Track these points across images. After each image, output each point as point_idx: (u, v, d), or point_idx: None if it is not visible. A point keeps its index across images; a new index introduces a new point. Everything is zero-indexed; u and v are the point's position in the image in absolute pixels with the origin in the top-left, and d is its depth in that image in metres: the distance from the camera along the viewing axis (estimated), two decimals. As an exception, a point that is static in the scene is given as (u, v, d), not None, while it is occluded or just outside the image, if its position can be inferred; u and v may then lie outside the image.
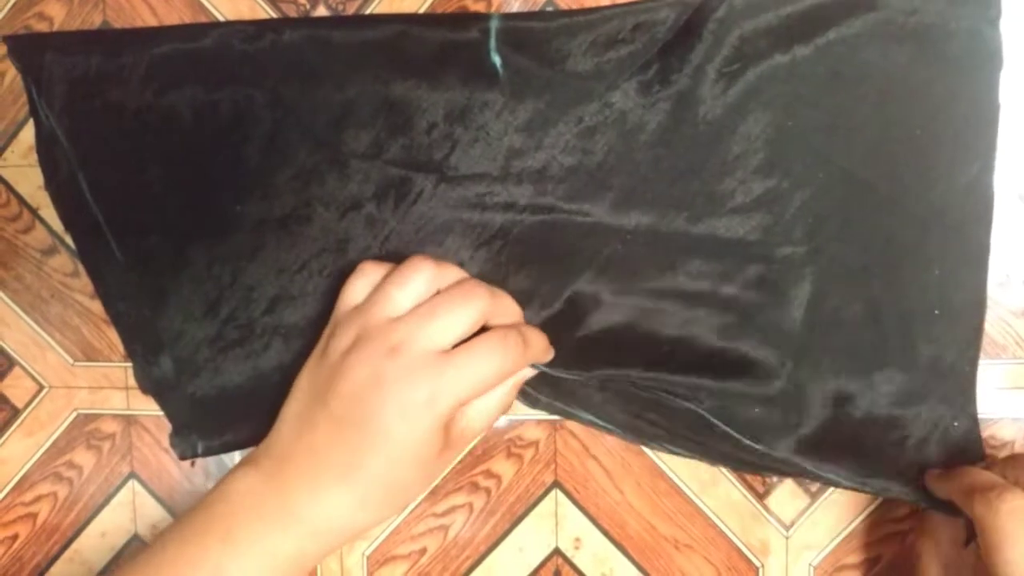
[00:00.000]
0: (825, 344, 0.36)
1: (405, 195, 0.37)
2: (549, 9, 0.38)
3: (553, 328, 0.37)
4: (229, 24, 0.39)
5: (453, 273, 0.33)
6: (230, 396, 0.39)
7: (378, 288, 0.32)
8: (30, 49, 0.38)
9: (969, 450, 0.36)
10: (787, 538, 0.39)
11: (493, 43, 0.36)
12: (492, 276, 0.37)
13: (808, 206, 0.36)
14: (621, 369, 0.37)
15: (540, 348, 0.34)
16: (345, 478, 0.30)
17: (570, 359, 0.37)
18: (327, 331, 0.33)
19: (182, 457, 0.39)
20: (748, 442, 0.37)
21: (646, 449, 0.39)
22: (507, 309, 0.33)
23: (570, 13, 0.37)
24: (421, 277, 0.32)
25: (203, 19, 0.39)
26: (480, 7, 0.38)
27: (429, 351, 0.30)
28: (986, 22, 0.35)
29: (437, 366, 0.30)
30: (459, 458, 0.40)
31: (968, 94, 0.35)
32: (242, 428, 0.39)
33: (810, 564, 0.39)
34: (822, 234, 0.36)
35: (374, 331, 0.31)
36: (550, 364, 0.36)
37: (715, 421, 0.37)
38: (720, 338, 0.37)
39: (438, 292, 0.32)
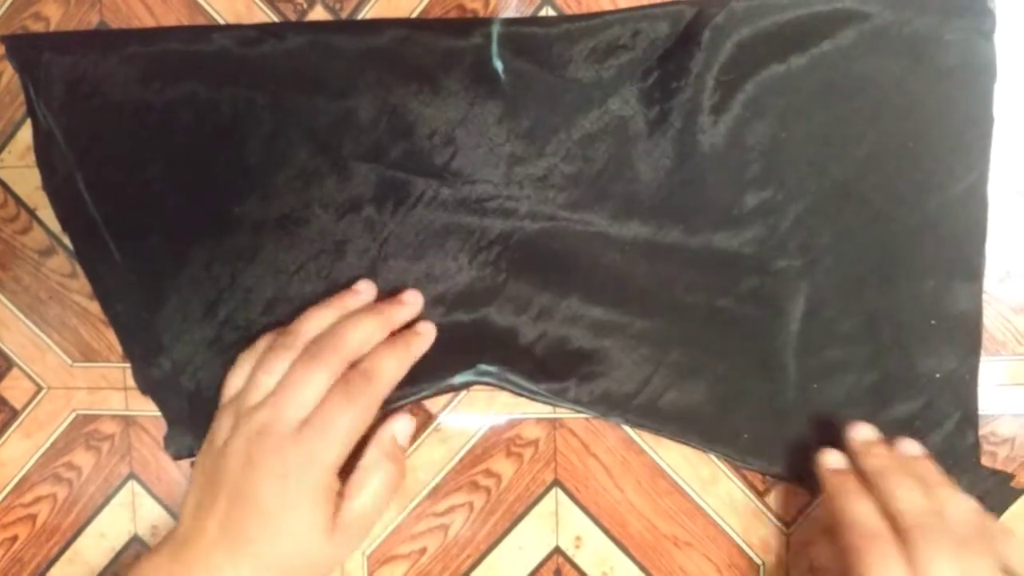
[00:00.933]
0: (821, 357, 0.36)
1: (405, 199, 0.37)
2: (549, 12, 0.38)
3: (546, 344, 0.37)
4: (230, 27, 0.39)
5: (301, 340, 0.35)
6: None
7: (249, 377, 0.35)
8: (28, 48, 0.38)
9: (966, 458, 0.36)
10: (788, 536, 0.39)
11: (495, 48, 0.36)
12: (490, 281, 0.37)
13: (802, 218, 0.36)
14: (617, 408, 0.38)
15: (389, 374, 0.34)
16: (235, 556, 0.32)
17: (559, 377, 0.37)
18: (213, 424, 0.35)
19: (176, 457, 0.39)
20: (741, 464, 0.38)
21: (646, 447, 0.39)
22: (363, 335, 0.35)
23: (571, 19, 0.37)
24: (283, 359, 0.34)
25: (200, 19, 0.39)
26: (477, 6, 0.38)
27: (291, 426, 0.32)
28: (980, 34, 0.35)
29: (299, 438, 0.32)
30: (459, 456, 0.40)
31: (962, 106, 0.35)
32: None
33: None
34: (817, 247, 0.36)
35: (245, 417, 0.33)
36: (534, 379, 0.37)
37: (708, 452, 0.38)
38: (715, 356, 0.37)
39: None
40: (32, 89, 0.38)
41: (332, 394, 0.33)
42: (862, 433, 0.35)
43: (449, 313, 0.38)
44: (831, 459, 0.35)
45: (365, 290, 0.37)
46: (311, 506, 0.32)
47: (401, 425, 0.36)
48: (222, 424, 0.34)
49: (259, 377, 0.34)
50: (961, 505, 0.32)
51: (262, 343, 0.36)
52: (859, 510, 0.32)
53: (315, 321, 0.35)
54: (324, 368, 0.33)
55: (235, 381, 0.35)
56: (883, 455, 0.34)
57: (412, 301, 0.37)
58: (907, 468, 0.33)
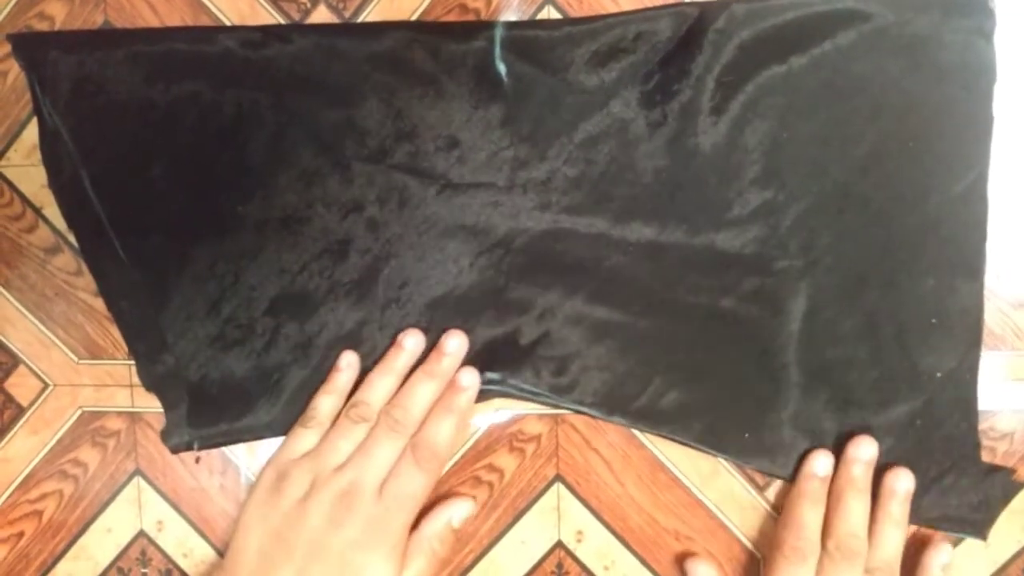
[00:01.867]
0: (822, 356, 0.37)
1: (408, 200, 0.38)
2: (550, 11, 0.38)
3: (549, 345, 0.38)
4: (235, 29, 0.39)
5: (374, 410, 0.37)
6: (230, 394, 0.39)
7: (325, 439, 0.37)
8: (34, 47, 0.38)
9: (967, 456, 0.36)
10: (787, 530, 0.39)
11: (498, 52, 0.37)
12: (492, 284, 0.38)
13: (803, 218, 0.36)
14: (619, 409, 0.38)
15: (449, 438, 0.37)
16: None
17: (561, 377, 0.38)
18: (272, 474, 0.37)
19: (174, 450, 0.40)
20: (743, 463, 0.38)
21: (647, 442, 0.39)
22: (425, 399, 0.37)
23: (573, 22, 0.37)
24: (361, 427, 0.37)
25: (203, 18, 0.39)
26: (479, 5, 0.38)
27: (373, 488, 0.36)
28: (980, 34, 0.35)
29: (380, 499, 0.35)
30: (462, 452, 0.40)
31: (962, 106, 0.35)
32: (237, 422, 0.39)
33: (810, 556, 0.39)
34: (817, 246, 0.36)
35: (325, 479, 0.36)
36: (536, 381, 0.38)
37: (707, 450, 0.38)
38: (717, 356, 0.37)
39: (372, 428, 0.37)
40: (38, 87, 0.38)
41: (404, 462, 0.36)
42: (859, 449, 0.36)
43: (449, 316, 0.38)
44: (818, 464, 0.37)
45: (413, 345, 0.38)
46: (386, 563, 0.35)
47: (458, 511, 0.39)
48: (295, 480, 0.36)
49: (337, 442, 0.37)
50: (891, 545, 0.35)
51: (319, 411, 0.38)
52: (805, 516, 0.36)
53: (379, 390, 0.38)
54: (399, 437, 0.37)
55: (299, 443, 0.37)
56: (860, 473, 0.36)
57: (454, 349, 0.38)
58: (867, 492, 0.36)
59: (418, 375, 0.38)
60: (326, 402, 0.38)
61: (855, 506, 0.35)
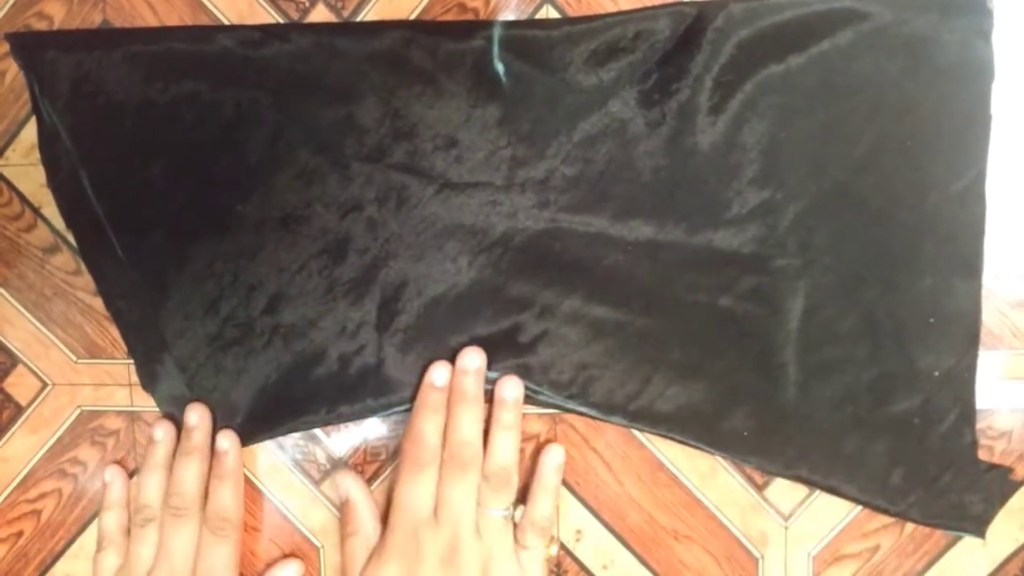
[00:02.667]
0: (820, 355, 0.37)
1: (407, 199, 0.38)
2: (549, 11, 0.38)
3: (548, 343, 0.37)
4: (234, 28, 0.39)
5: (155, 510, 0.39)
6: (226, 393, 0.39)
7: (126, 554, 0.39)
8: (32, 46, 0.38)
9: (965, 455, 0.36)
10: (786, 528, 0.39)
11: (496, 51, 0.37)
12: (490, 283, 0.38)
13: (802, 218, 0.36)
14: (618, 408, 0.38)
15: (235, 501, 0.39)
16: None
17: (560, 375, 0.38)
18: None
19: None
20: (742, 461, 0.38)
21: (646, 441, 0.40)
22: (195, 477, 0.39)
23: (572, 21, 0.37)
24: (150, 529, 0.38)
25: (202, 17, 0.39)
26: (478, 4, 0.38)
27: None
28: (978, 34, 0.35)
29: None
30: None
31: (960, 105, 0.35)
32: (236, 423, 0.39)
33: (809, 554, 0.39)
34: (816, 246, 0.36)
35: None
36: (535, 379, 0.37)
37: (706, 449, 0.38)
38: (716, 355, 0.37)
39: None
40: (37, 87, 0.38)
41: (203, 539, 0.38)
42: (466, 359, 0.38)
43: (448, 315, 0.38)
44: (436, 374, 0.38)
45: (163, 435, 0.39)
46: None
47: (288, 573, 0.41)
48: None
49: (137, 551, 0.38)
50: (504, 451, 0.37)
51: (106, 530, 0.40)
52: (425, 426, 0.37)
53: (151, 488, 0.39)
54: (188, 521, 0.38)
55: (104, 570, 0.39)
56: (470, 384, 0.37)
57: (197, 422, 0.39)
58: (477, 402, 0.37)
59: (178, 459, 0.39)
60: (109, 519, 0.40)
61: (465, 415, 0.37)
